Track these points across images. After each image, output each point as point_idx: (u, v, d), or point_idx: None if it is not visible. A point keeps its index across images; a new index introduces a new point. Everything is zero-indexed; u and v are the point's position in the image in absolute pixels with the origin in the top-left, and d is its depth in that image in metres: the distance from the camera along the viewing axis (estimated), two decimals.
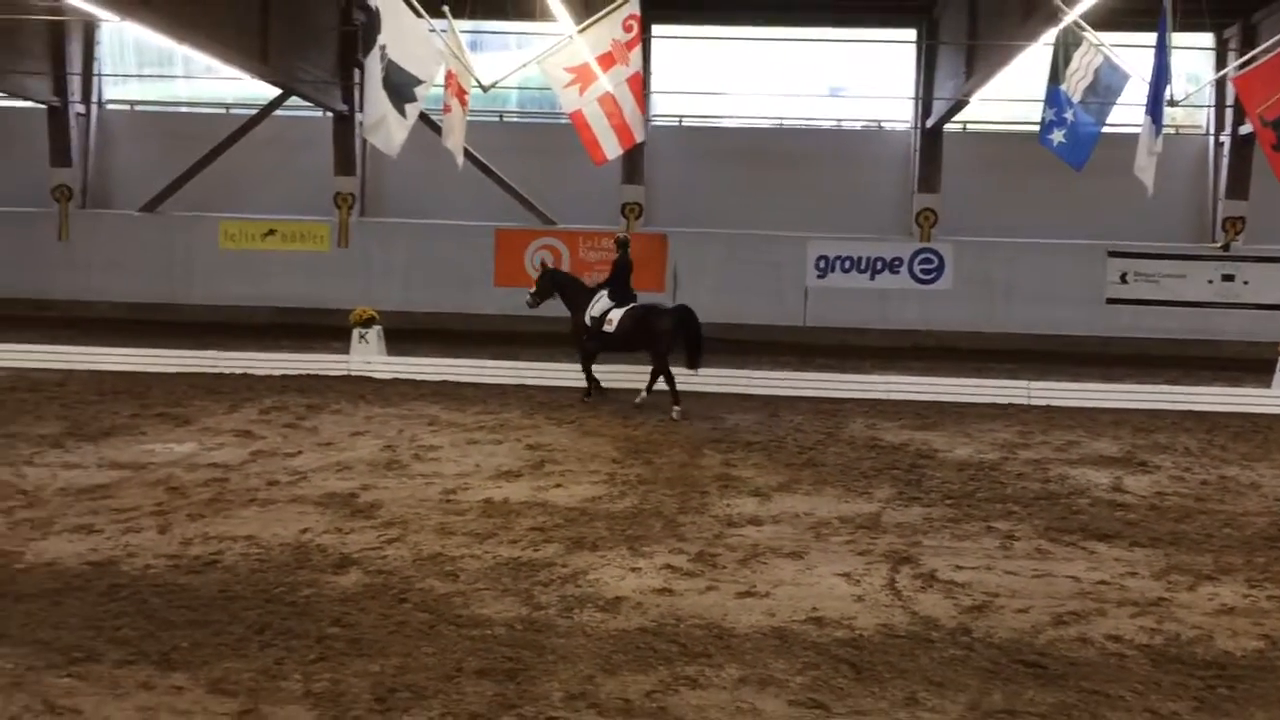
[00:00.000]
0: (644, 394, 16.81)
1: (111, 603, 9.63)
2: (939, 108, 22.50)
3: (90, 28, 22.23)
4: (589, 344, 16.88)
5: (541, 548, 11.02)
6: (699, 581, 10.12)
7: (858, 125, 25.08)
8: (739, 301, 22.16)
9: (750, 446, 14.73)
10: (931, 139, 23.37)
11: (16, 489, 12.51)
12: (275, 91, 21.68)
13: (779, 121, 24.31)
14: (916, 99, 23.89)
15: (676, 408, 16.21)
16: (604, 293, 16.90)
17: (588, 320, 16.84)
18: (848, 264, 22.52)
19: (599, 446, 14.55)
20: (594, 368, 17.20)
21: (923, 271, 22.85)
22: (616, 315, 16.57)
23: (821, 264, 22.44)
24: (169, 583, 10.08)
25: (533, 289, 17.42)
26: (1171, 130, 23.02)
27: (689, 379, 17.54)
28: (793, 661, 8.06)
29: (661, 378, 16.48)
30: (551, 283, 17.40)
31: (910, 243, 22.96)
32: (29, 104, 21.86)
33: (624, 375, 17.88)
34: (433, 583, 10.14)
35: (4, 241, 22.22)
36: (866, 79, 24.72)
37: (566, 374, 17.96)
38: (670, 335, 16.36)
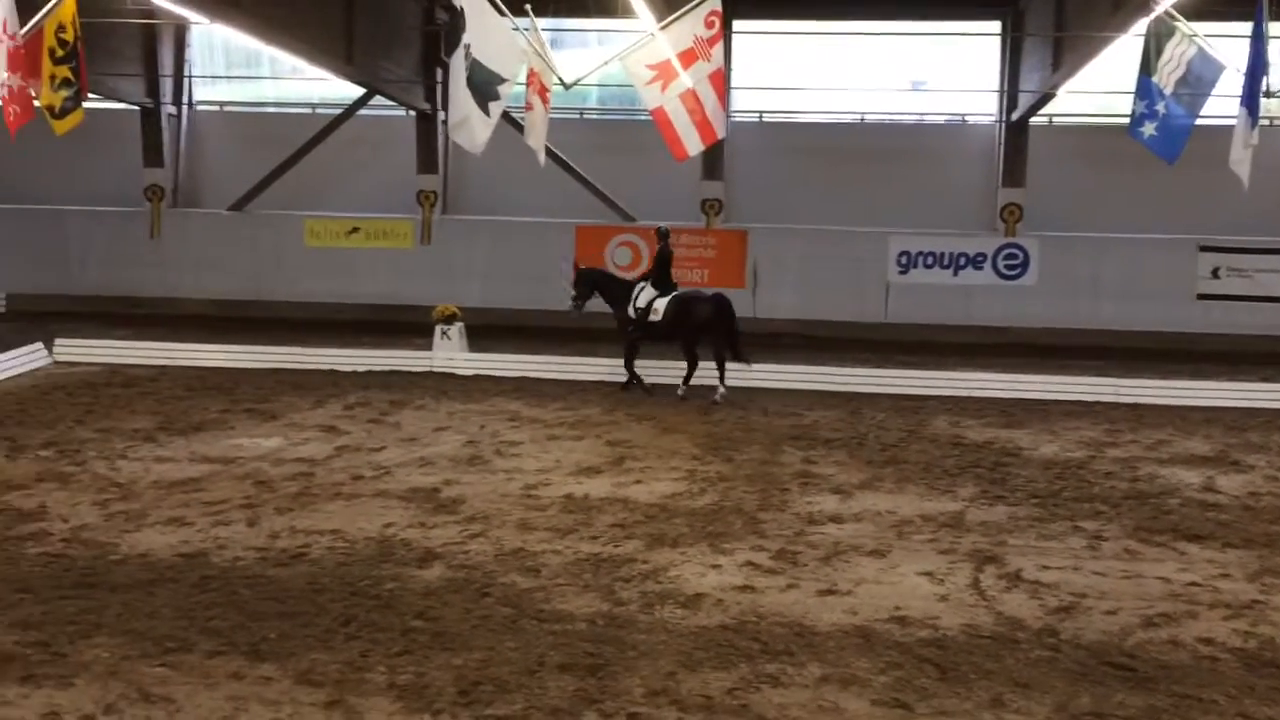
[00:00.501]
0: (721, 389, 16.87)
1: (202, 594, 9.85)
2: (1024, 101, 22.16)
3: (181, 30, 22.69)
4: (636, 335, 17.10)
5: (622, 544, 11.05)
6: (780, 579, 10.08)
7: (940, 119, 24.79)
8: (819, 297, 22.03)
9: (831, 443, 14.64)
10: (1017, 132, 23.03)
11: (111, 482, 12.83)
12: (360, 91, 21.97)
13: (860, 117, 24.11)
14: (1001, 92, 23.55)
15: (684, 386, 16.90)
16: (646, 284, 17.13)
17: (632, 312, 17.03)
18: (930, 259, 22.29)
19: (679, 443, 14.56)
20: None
21: (1007, 267, 22.54)
22: (661, 304, 16.85)
23: (903, 259, 22.23)
24: (258, 575, 10.27)
25: (573, 292, 17.60)
26: (1267, 122, 22.46)
27: (750, 375, 17.47)
28: (875, 661, 8.00)
29: (689, 361, 16.98)
30: (590, 281, 17.61)
31: (994, 238, 22.65)
32: (123, 106, 22.37)
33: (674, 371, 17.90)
34: (515, 578, 10.22)
35: (99, 240, 22.77)
36: (949, 73, 24.42)
37: (648, 371, 17.97)
38: (709, 323, 16.64)
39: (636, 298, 17.11)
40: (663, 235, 17.37)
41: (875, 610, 9.19)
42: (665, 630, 9.02)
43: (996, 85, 23.79)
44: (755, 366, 17.99)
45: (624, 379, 17.49)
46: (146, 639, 8.98)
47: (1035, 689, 7.30)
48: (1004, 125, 23.35)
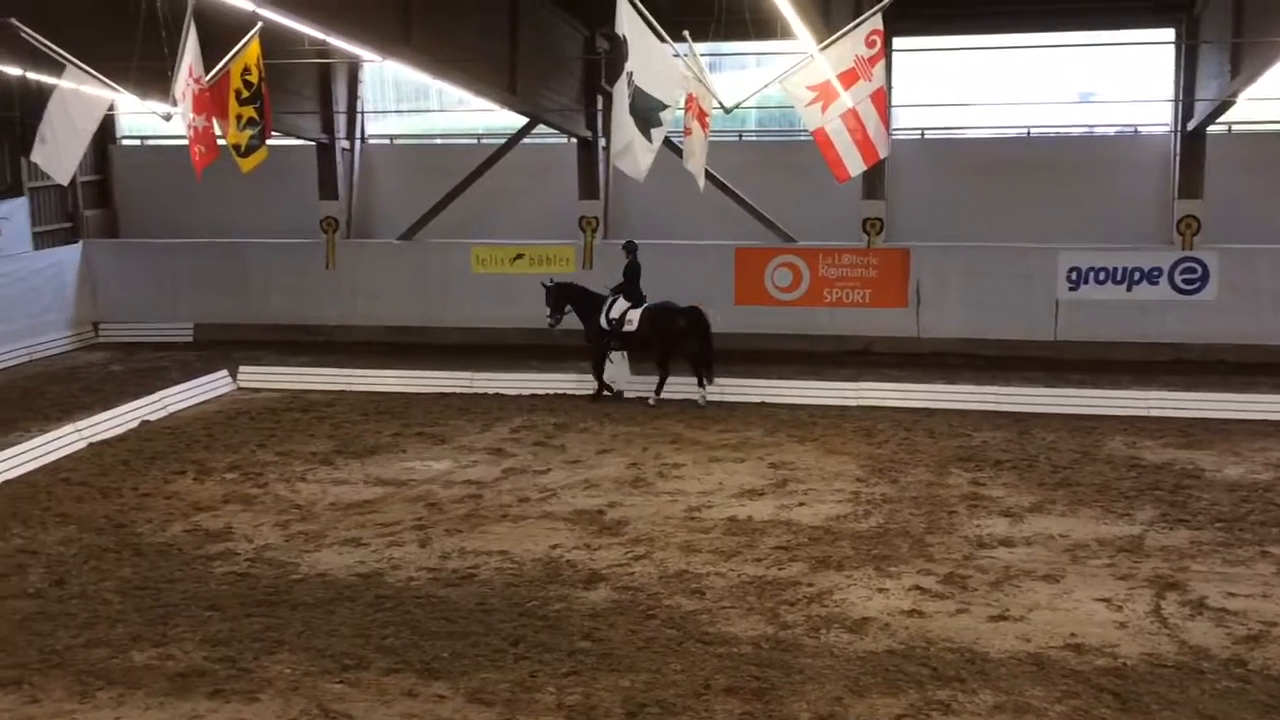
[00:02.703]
0: (705, 394, 17.54)
1: (378, 612, 10.18)
2: (1201, 109, 21.32)
3: (354, 68, 23.54)
4: (611, 346, 17.78)
5: (786, 566, 11.01)
6: (949, 604, 9.91)
7: (1111, 131, 24.03)
8: (984, 315, 21.52)
9: (1000, 465, 14.30)
10: (1193, 142, 22.17)
11: (292, 503, 13.36)
12: (523, 121, 22.44)
13: (1026, 130, 23.53)
14: (1176, 101, 22.70)
15: (655, 397, 17.62)
16: (618, 296, 17.88)
17: (605, 323, 17.73)
18: (1102, 275, 21.56)
19: (842, 465, 14.42)
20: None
21: (1185, 281, 21.67)
22: (635, 315, 17.62)
23: (1074, 276, 21.56)
24: (430, 594, 10.57)
25: (546, 310, 18.24)
26: None
27: (915, 396, 17.22)
28: (1051, 689, 7.80)
29: (661, 371, 17.69)
30: (563, 297, 18.20)
31: (1171, 252, 21.81)
32: (299, 142, 23.29)
33: (676, 386, 17.88)
34: (679, 600, 10.28)
35: (280, 271, 23.71)
36: (1120, 82, 23.67)
37: (809, 392, 17.86)
38: (685, 335, 17.46)
39: (609, 309, 17.79)
40: (631, 249, 18.23)
41: (1049, 637, 8.95)
42: (831, 654, 8.96)
43: (1171, 94, 22.97)
44: (918, 386, 17.72)
45: (632, 390, 18.09)
46: (326, 656, 9.32)
47: None
48: (1179, 135, 22.50)
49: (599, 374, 18.13)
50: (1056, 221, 22.09)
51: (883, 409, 17.07)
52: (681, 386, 17.93)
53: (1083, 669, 8.17)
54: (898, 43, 21.65)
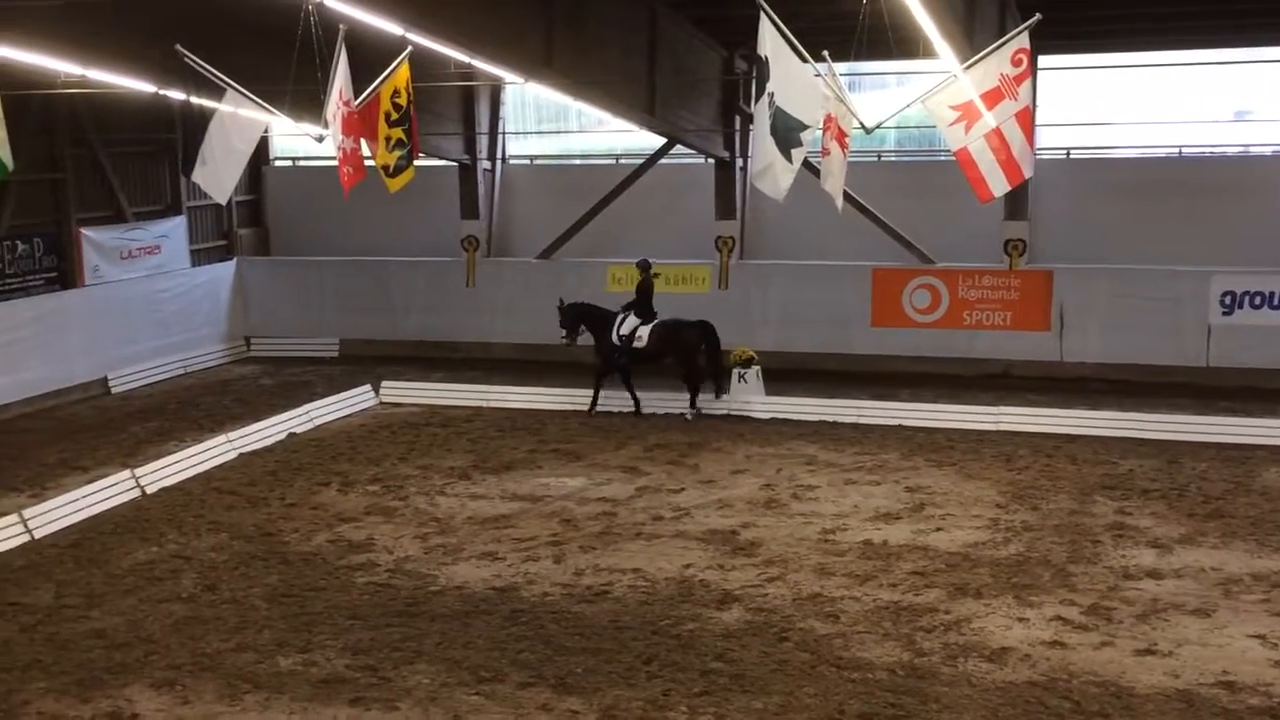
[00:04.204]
0: (692, 410, 18.12)
1: (514, 626, 10.33)
2: None
3: (496, 90, 23.99)
4: (623, 361, 18.32)
5: (923, 592, 10.85)
6: (1093, 636, 9.66)
7: (1268, 151, 23.17)
8: (1131, 340, 20.87)
9: (1147, 494, 13.87)
10: None
11: (431, 516, 13.65)
12: (661, 141, 22.57)
13: (1178, 150, 22.82)
14: None
15: (691, 410, 18.09)
16: (629, 313, 18.46)
17: (616, 339, 18.30)
18: (1259, 299, 20.74)
19: (981, 490, 14.15)
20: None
21: None
22: (645, 331, 18.22)
23: (1227, 300, 20.78)
24: (564, 610, 10.68)
25: (562, 330, 18.83)
26: None
27: (1057, 422, 16.80)
28: None
29: (691, 382, 18.20)
30: (575, 315, 18.77)
31: None
32: (442, 162, 23.80)
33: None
34: (813, 623, 10.21)
35: (421, 289, 24.23)
36: (1278, 101, 22.82)
37: (947, 415, 17.56)
38: (696, 348, 18.11)
39: (619, 326, 18.37)
40: (644, 267, 18.80)
41: (1199, 674, 8.66)
42: (969, 684, 8.81)
43: None
44: (1060, 411, 17.30)
45: (631, 405, 18.44)
46: (463, 668, 9.50)
47: None
48: None
49: (598, 388, 18.60)
50: (1208, 244, 21.33)
51: (1023, 434, 16.69)
52: (680, 402, 18.42)
53: (1235, 708, 7.88)
54: (1043, 60, 21.21)
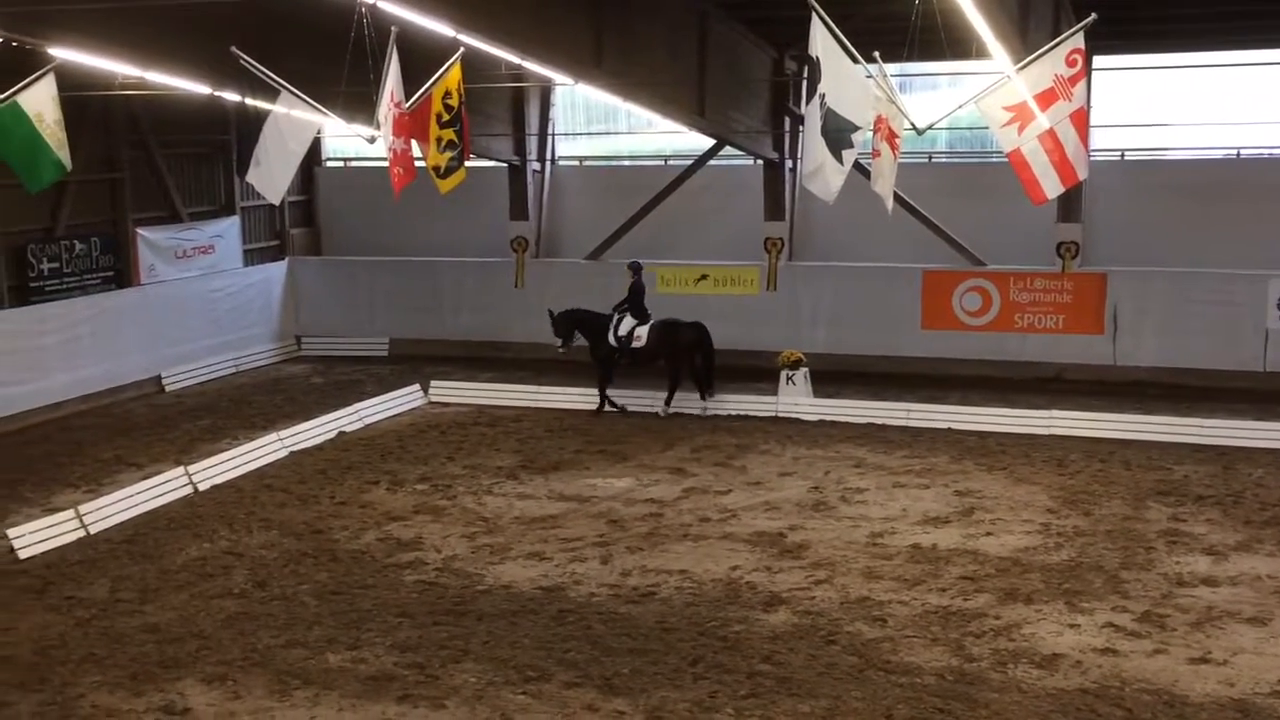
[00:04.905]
0: (665, 409, 18.40)
1: (560, 626, 10.35)
2: None
3: (547, 92, 24.05)
4: (620, 361, 18.55)
5: (972, 597, 10.77)
6: (1145, 643, 9.54)
7: None
8: (1186, 344, 20.59)
9: (1202, 500, 13.67)
10: None
11: (478, 516, 13.71)
12: (710, 142, 22.54)
13: (1235, 151, 22.49)
14: None
15: (666, 407, 18.39)
16: (624, 315, 18.64)
17: (614, 341, 18.51)
18: None
19: (1032, 495, 14.02)
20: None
21: None
22: (642, 331, 18.43)
23: None
24: (610, 611, 10.69)
25: (557, 339, 19.13)
26: None
27: (1110, 426, 16.59)
28: None
29: (673, 381, 18.45)
30: (569, 321, 19.06)
31: None
32: (491, 164, 23.90)
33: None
34: (860, 626, 10.15)
35: (470, 289, 24.35)
36: None
37: (997, 419, 17.38)
38: (691, 348, 18.33)
39: (616, 327, 18.56)
40: (636, 269, 19.02)
41: (1255, 683, 8.54)
42: (1019, 690, 8.74)
43: None
44: (1113, 416, 17.09)
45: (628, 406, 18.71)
46: (510, 666, 9.53)
47: None
48: None
49: (603, 389, 18.74)
50: (1267, 247, 20.99)
51: (1075, 438, 16.51)
52: (690, 400, 18.52)
53: None
54: (1098, 61, 20.98)
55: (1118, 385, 19.81)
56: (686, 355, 18.47)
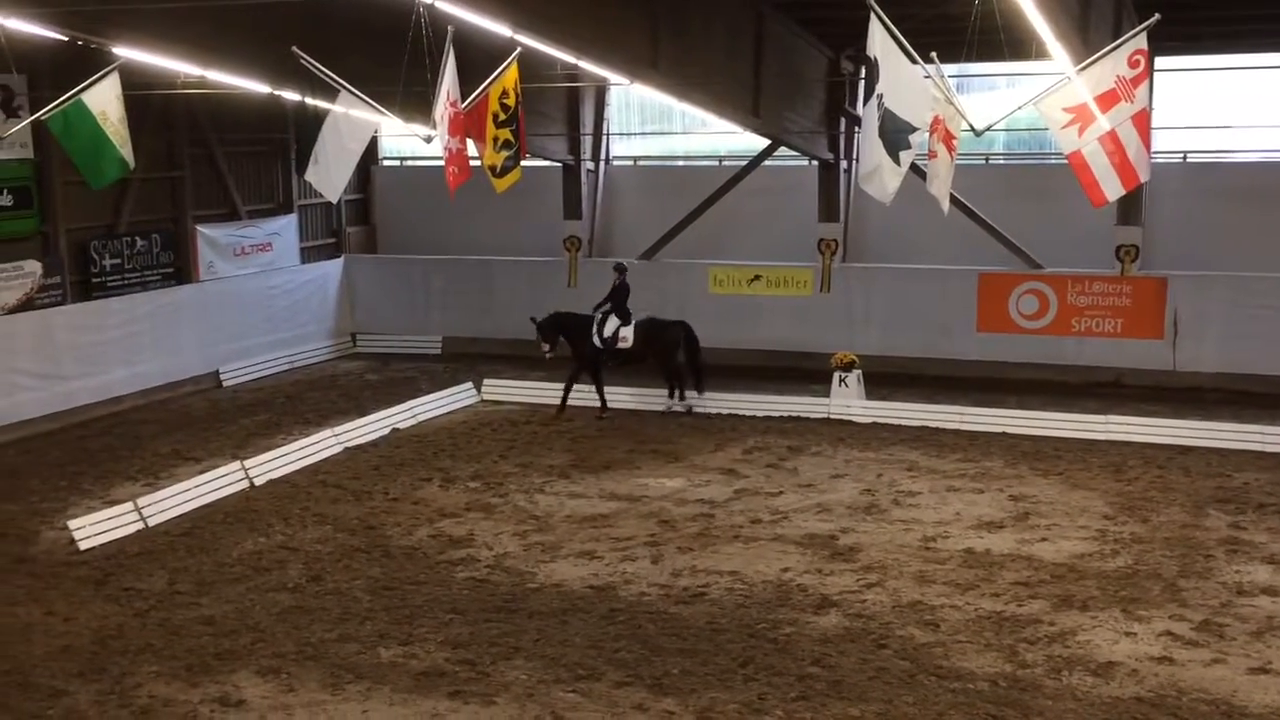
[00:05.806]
0: (673, 403, 18.66)
1: (610, 625, 10.37)
2: None
3: (601, 91, 24.10)
4: (607, 361, 18.58)
5: (1026, 603, 10.67)
6: (1203, 652, 9.40)
7: None
8: (1248, 349, 20.26)
9: (1264, 509, 13.44)
10: None
11: (530, 514, 13.76)
12: (764, 143, 22.47)
13: None
14: None
15: (676, 402, 18.59)
16: (608, 315, 18.62)
17: (598, 342, 18.47)
18: None
19: (1089, 500, 13.85)
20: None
21: None
22: (627, 331, 18.43)
23: None
24: (661, 611, 10.70)
25: (544, 345, 19.03)
26: None
27: (1168, 432, 16.34)
28: None
29: (671, 378, 18.64)
30: (554, 326, 19.03)
31: None
32: (546, 163, 23.99)
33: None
34: (912, 631, 10.08)
35: (524, 288, 24.42)
36: None
37: (1054, 423, 17.18)
38: (678, 346, 18.42)
39: (601, 327, 18.50)
40: (621, 269, 19.13)
41: None
42: (1073, 698, 8.64)
43: None
44: (1172, 421, 16.84)
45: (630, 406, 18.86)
46: (560, 665, 9.56)
47: None
48: None
49: (600, 390, 18.77)
50: None
51: (1133, 444, 16.28)
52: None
53: None
54: (1160, 62, 20.69)
55: (1177, 391, 19.52)
56: (670, 353, 18.58)
